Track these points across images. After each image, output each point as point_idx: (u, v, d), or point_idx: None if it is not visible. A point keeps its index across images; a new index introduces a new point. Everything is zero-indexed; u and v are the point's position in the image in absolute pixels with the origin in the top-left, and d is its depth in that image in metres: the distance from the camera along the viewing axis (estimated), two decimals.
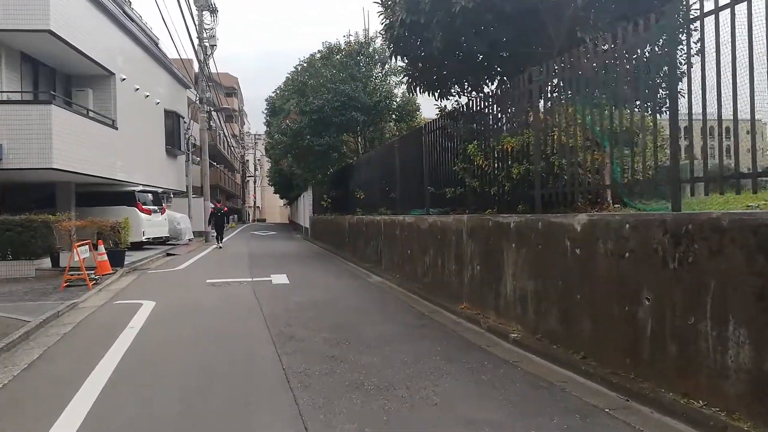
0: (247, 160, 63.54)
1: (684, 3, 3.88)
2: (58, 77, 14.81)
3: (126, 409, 3.70)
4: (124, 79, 15.99)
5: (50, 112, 11.64)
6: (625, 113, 4.47)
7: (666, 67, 3.94)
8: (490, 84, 8.77)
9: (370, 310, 7.14)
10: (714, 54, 3.49)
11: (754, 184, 3.37)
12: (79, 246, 9.35)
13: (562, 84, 5.16)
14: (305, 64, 20.12)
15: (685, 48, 3.88)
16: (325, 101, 16.78)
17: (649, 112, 4.22)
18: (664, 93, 4.13)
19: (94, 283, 9.16)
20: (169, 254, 16.17)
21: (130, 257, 13.07)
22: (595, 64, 4.72)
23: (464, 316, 6.37)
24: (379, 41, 18.51)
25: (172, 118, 21.53)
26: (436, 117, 8.54)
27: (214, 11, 23.19)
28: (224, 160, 43.91)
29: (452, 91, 9.16)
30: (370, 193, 13.12)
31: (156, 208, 18.01)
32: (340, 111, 16.82)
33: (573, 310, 4.54)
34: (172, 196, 25.15)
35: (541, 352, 4.72)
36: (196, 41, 22.47)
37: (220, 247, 18.86)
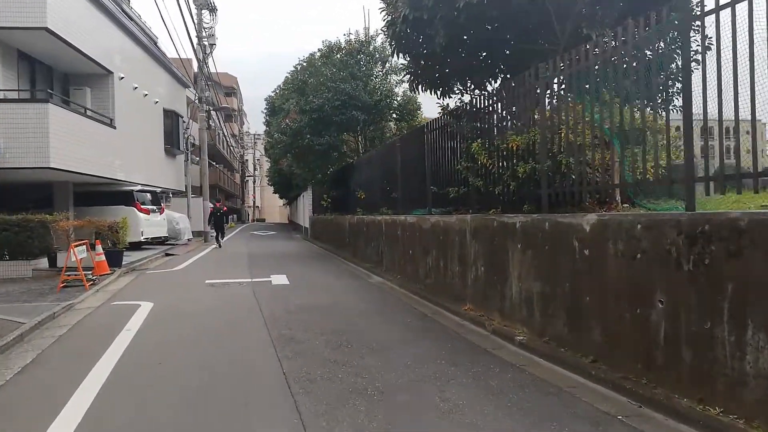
0: (247, 160, 63.38)
1: None
2: (56, 76, 14.67)
3: (122, 415, 3.57)
4: (122, 78, 15.85)
5: (47, 110, 11.51)
6: (636, 110, 4.35)
7: (679, 62, 3.81)
8: (493, 82, 8.64)
9: (371, 312, 7.02)
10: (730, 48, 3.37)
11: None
12: (76, 246, 9.21)
13: (570, 80, 5.03)
14: (305, 63, 20.00)
15: (699, 42, 3.76)
16: (326, 100, 16.65)
17: (662, 110, 4.09)
18: (677, 89, 4.01)
19: (91, 284, 9.03)
20: (167, 254, 16.04)
21: (129, 257, 12.94)
22: (603, 60, 4.59)
23: (468, 317, 6.25)
24: (380, 39, 18.42)
25: (171, 118, 21.39)
26: (438, 115, 8.42)
27: (213, 10, 23.05)
28: (223, 159, 43.78)
29: (455, 89, 9.03)
30: (371, 193, 13.00)
31: (155, 207, 17.86)
32: (340, 110, 16.68)
33: (581, 313, 4.42)
34: (171, 195, 25.01)
35: (549, 356, 4.60)
36: (195, 40, 22.34)
37: (220, 247, 18.75)
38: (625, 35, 4.29)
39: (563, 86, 5.35)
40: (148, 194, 17.85)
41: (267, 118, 28.50)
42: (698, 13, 3.70)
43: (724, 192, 3.58)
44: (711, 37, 3.64)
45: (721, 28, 3.48)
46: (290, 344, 5.24)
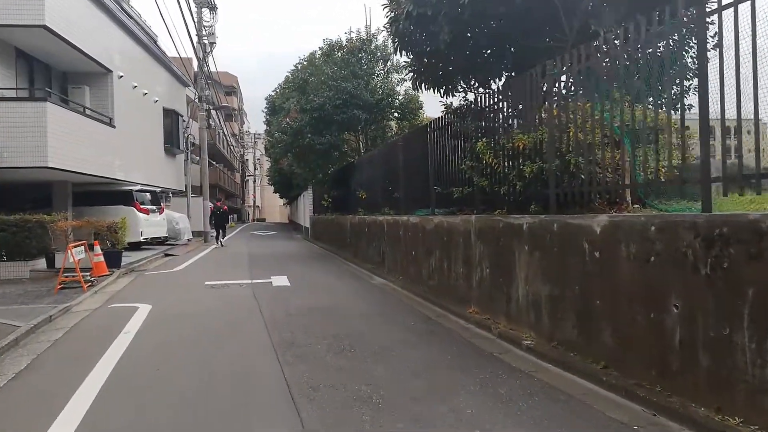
0: (247, 160, 63.26)
1: None
2: (54, 74, 14.53)
3: (117, 422, 3.45)
4: (121, 77, 15.72)
5: (45, 109, 11.39)
6: (649, 108, 4.21)
7: (695, 58, 3.68)
8: (498, 80, 8.49)
9: (373, 314, 6.89)
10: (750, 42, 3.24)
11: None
12: (74, 247, 9.09)
13: (578, 77, 4.90)
14: (306, 62, 19.86)
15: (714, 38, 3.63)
16: (326, 99, 16.51)
17: (677, 108, 3.95)
18: (690, 86, 3.88)
19: (89, 285, 8.92)
20: (167, 255, 15.91)
21: (128, 258, 12.82)
22: (614, 56, 4.46)
23: (473, 320, 6.12)
24: (381, 38, 18.28)
25: (170, 117, 21.25)
26: (441, 114, 8.29)
27: (213, 8, 22.91)
28: (224, 159, 43.64)
29: (459, 87, 8.87)
30: (373, 193, 12.86)
31: (154, 207, 17.73)
32: (341, 109, 16.54)
33: (592, 317, 4.29)
34: (170, 195, 24.88)
35: (558, 361, 4.47)
36: (195, 39, 22.21)
37: (221, 246, 18.64)
38: (637, 31, 4.16)
39: (571, 84, 5.21)
40: (148, 194, 17.72)
41: (267, 117, 28.37)
42: (713, 8, 3.58)
43: (742, 193, 3.45)
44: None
45: (739, 23, 3.35)
46: (291, 349, 5.12)
